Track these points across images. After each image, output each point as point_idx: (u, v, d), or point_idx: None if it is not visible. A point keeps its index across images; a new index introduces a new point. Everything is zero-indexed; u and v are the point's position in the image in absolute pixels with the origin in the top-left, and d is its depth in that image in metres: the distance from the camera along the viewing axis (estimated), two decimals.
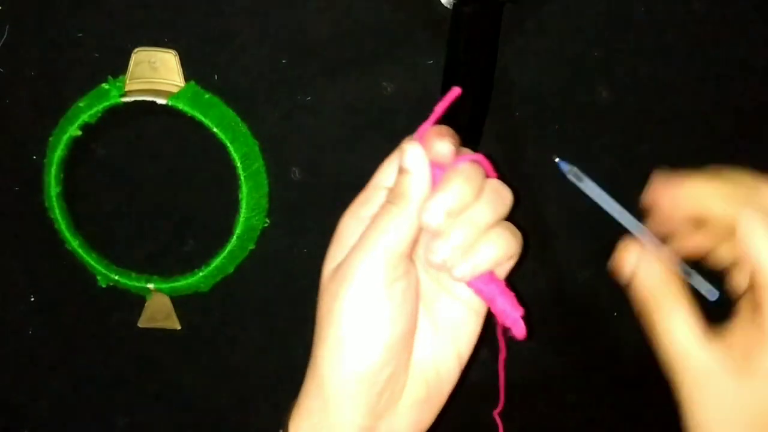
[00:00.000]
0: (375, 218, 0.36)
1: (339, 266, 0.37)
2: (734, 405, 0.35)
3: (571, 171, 0.39)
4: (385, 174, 0.39)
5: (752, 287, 0.35)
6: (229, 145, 0.55)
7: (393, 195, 0.36)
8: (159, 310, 0.61)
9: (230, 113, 0.56)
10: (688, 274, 0.39)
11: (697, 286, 0.39)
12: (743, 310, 0.37)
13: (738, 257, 0.37)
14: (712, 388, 0.35)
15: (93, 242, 0.59)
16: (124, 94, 0.55)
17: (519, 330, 0.36)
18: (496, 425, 0.44)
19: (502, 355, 0.39)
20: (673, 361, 0.36)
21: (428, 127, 0.36)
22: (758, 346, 0.34)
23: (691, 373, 0.36)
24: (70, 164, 0.57)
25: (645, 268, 0.37)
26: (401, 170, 0.36)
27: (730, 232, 0.36)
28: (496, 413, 0.41)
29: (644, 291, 0.37)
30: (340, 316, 0.36)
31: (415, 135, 0.37)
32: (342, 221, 0.39)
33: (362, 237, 0.36)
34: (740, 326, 0.36)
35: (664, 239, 0.40)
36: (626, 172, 0.58)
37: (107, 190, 0.59)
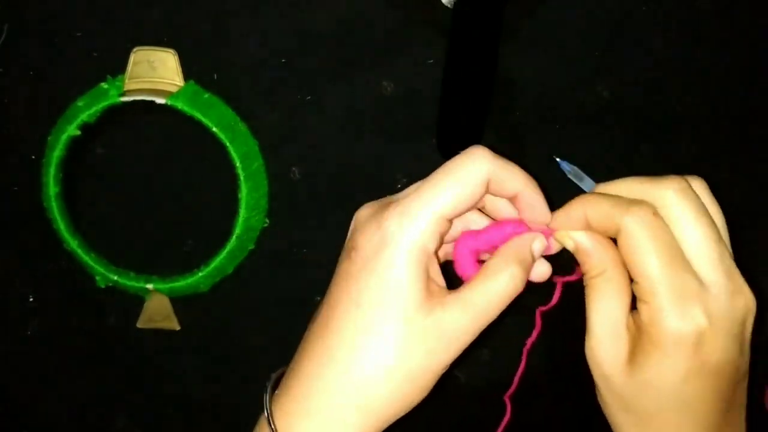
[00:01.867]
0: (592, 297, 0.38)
1: None
2: (624, 401, 0.37)
3: (572, 170, 0.39)
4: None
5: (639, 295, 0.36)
6: (228, 144, 0.55)
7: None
8: (158, 311, 0.61)
9: (229, 113, 0.56)
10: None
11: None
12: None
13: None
14: (608, 381, 0.37)
15: (92, 242, 0.59)
16: (123, 94, 0.54)
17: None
18: (496, 424, 0.44)
19: (534, 335, 0.41)
20: (589, 349, 0.37)
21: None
22: (641, 347, 0.36)
23: (598, 364, 0.37)
24: (68, 164, 0.57)
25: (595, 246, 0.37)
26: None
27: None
28: (506, 396, 0.41)
29: (584, 269, 0.38)
30: None
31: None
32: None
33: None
34: (634, 323, 0.37)
35: None
36: (626, 172, 0.57)
37: (106, 190, 0.59)
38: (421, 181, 0.37)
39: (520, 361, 0.41)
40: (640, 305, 0.36)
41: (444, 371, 0.37)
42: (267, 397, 0.38)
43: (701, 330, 0.34)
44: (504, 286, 0.36)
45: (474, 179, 0.36)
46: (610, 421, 0.39)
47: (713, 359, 0.35)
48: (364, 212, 0.38)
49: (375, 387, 0.36)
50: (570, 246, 0.38)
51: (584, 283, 0.38)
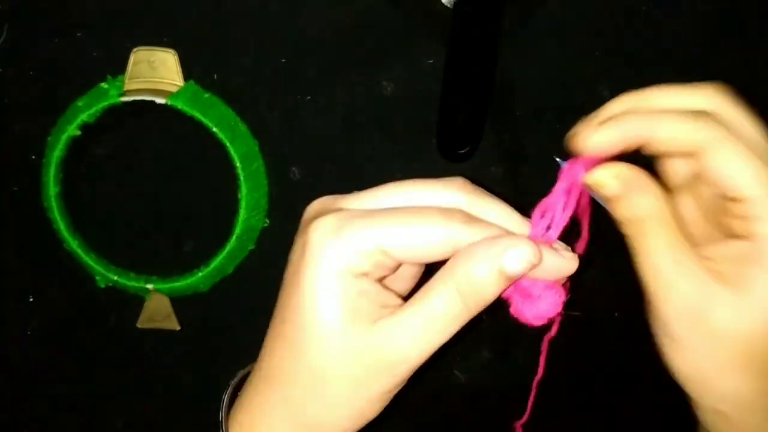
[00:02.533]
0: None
1: None
2: (726, 334, 0.32)
3: None
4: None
5: (725, 209, 0.33)
6: (228, 144, 0.55)
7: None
8: (158, 311, 0.61)
9: (229, 113, 0.56)
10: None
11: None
12: (720, 230, 0.34)
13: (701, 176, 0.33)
14: (701, 320, 0.32)
15: (92, 242, 0.59)
16: (123, 94, 0.54)
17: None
18: (497, 424, 0.44)
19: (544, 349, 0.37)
20: (656, 296, 0.33)
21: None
22: (751, 263, 0.31)
23: (678, 308, 0.32)
24: (69, 164, 0.57)
25: (631, 192, 0.33)
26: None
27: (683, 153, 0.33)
28: (519, 425, 0.39)
29: (627, 215, 0.33)
30: None
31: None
32: None
33: None
34: (722, 246, 0.33)
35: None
36: None
37: (106, 190, 0.59)
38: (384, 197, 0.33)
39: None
40: (752, 225, 0.31)
41: (392, 392, 0.33)
42: (225, 401, 0.37)
43: None
44: (442, 310, 0.31)
45: (430, 239, 0.31)
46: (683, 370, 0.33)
47: None
48: (311, 208, 0.35)
49: (307, 407, 0.33)
50: (613, 189, 0.33)
51: (630, 234, 0.33)
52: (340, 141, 0.57)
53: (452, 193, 0.33)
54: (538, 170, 0.58)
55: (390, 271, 0.33)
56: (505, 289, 0.32)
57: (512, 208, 0.34)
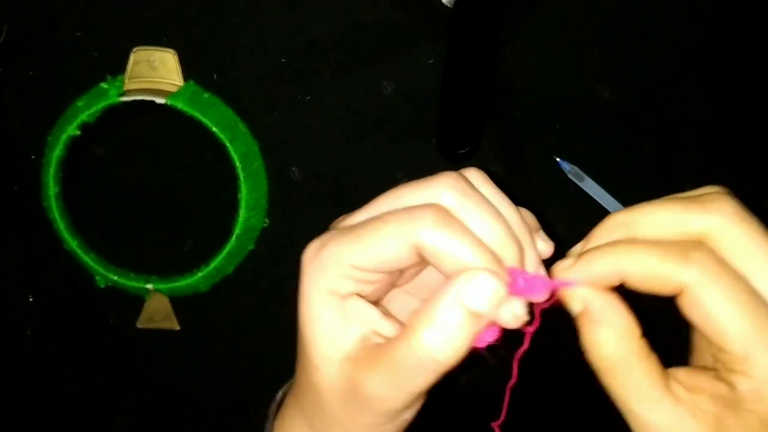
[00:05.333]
0: None
1: None
2: None
3: (572, 170, 0.39)
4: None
5: (712, 351, 0.30)
6: (228, 144, 0.55)
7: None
8: (158, 311, 0.61)
9: (229, 113, 0.56)
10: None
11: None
12: (702, 366, 0.31)
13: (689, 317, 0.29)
14: None
15: (92, 242, 0.59)
16: (123, 94, 0.54)
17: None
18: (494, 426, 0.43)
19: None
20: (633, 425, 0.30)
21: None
22: (729, 411, 0.28)
23: None
24: (68, 164, 0.57)
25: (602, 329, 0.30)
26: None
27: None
28: (496, 426, 0.38)
29: (593, 349, 0.30)
30: None
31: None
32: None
33: None
34: (706, 380, 0.30)
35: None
36: (626, 172, 0.58)
37: (106, 189, 0.59)
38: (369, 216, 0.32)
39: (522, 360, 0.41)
40: (731, 377, 0.28)
41: (382, 426, 0.33)
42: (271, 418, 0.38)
43: None
44: (408, 367, 0.30)
45: (394, 244, 0.30)
46: None
47: None
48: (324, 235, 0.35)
49: (316, 421, 0.34)
50: (576, 308, 0.30)
51: (594, 362, 0.30)
52: (340, 141, 0.57)
53: (438, 193, 0.32)
54: (538, 170, 0.58)
55: (381, 283, 0.33)
56: (474, 335, 0.30)
57: (500, 213, 0.32)
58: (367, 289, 0.32)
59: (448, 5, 0.52)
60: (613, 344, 0.29)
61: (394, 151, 0.58)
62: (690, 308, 0.28)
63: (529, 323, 0.32)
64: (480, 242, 0.30)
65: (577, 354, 0.32)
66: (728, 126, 0.59)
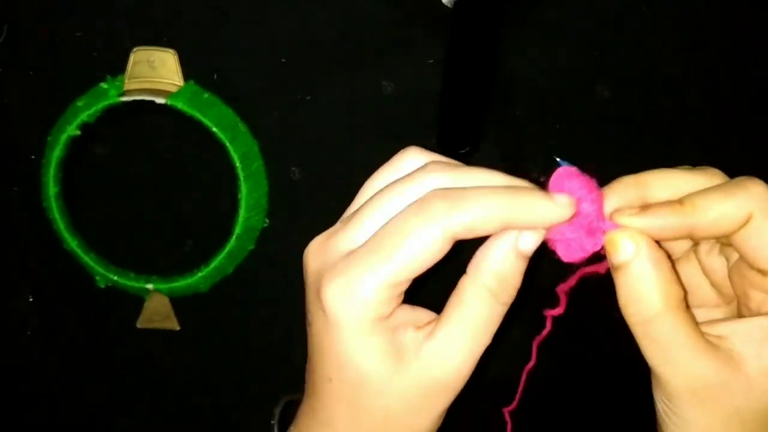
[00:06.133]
0: None
1: None
2: (738, 414, 0.31)
3: None
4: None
5: (751, 281, 0.32)
6: (228, 144, 0.55)
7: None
8: (158, 311, 0.61)
9: (229, 113, 0.56)
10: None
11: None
12: (727, 301, 0.34)
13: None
14: (713, 401, 0.31)
15: (91, 242, 0.59)
16: (123, 94, 0.54)
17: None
18: (499, 422, 0.43)
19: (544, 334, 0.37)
20: (662, 373, 0.32)
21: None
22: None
23: (687, 387, 0.31)
24: (68, 164, 0.57)
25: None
26: None
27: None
28: (506, 411, 0.39)
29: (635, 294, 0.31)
30: None
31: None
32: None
33: None
34: (737, 324, 0.32)
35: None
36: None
37: (106, 189, 0.59)
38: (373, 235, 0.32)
39: (517, 360, 0.41)
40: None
41: (446, 410, 0.34)
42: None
43: None
44: (480, 315, 0.32)
45: (429, 243, 0.30)
46: None
47: None
48: (310, 260, 0.34)
49: None
50: (626, 254, 0.31)
51: (638, 314, 0.31)
52: (340, 141, 0.57)
53: (429, 182, 0.32)
54: (538, 170, 0.58)
55: (408, 285, 0.33)
56: (523, 270, 0.32)
57: (490, 172, 0.33)
58: (401, 299, 0.33)
59: (448, 5, 0.52)
60: (663, 296, 0.30)
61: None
62: (748, 236, 0.31)
63: (551, 307, 0.34)
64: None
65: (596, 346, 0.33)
66: (728, 126, 0.59)
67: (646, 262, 0.30)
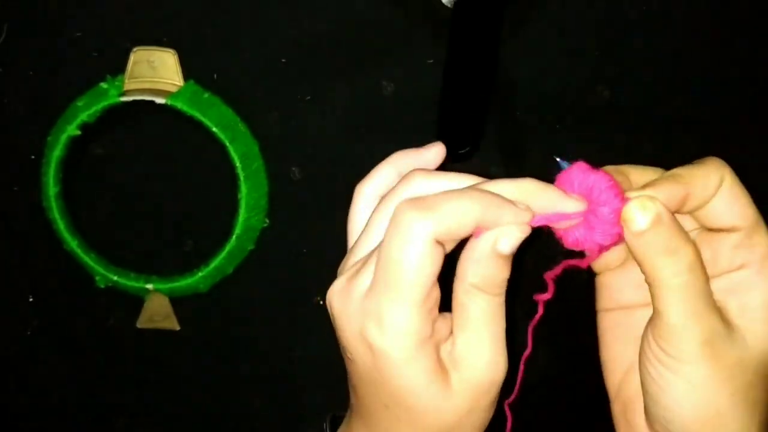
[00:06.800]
0: None
1: None
2: (732, 368, 0.34)
3: None
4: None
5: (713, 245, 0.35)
6: (228, 144, 0.55)
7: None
8: (158, 311, 0.61)
9: (229, 113, 0.56)
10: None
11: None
12: None
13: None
14: (714, 354, 0.34)
15: (91, 242, 0.59)
16: (123, 94, 0.54)
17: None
18: (497, 425, 0.43)
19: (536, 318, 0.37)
20: (673, 329, 0.34)
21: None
22: (749, 290, 0.35)
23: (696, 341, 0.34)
24: (68, 164, 0.57)
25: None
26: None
27: None
28: (506, 404, 0.40)
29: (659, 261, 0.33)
30: None
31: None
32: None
33: None
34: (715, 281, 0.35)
35: None
36: None
37: (106, 189, 0.59)
38: (378, 257, 0.33)
39: (517, 359, 0.41)
40: (738, 254, 0.35)
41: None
42: None
43: None
44: (479, 312, 0.33)
45: (421, 259, 0.32)
46: None
47: None
48: (334, 300, 0.35)
49: None
50: (648, 219, 0.33)
51: (664, 280, 0.33)
52: (340, 141, 0.57)
53: (414, 186, 0.34)
54: (538, 170, 0.58)
55: (437, 297, 0.35)
56: (509, 265, 0.33)
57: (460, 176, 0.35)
58: (435, 312, 0.34)
59: (448, 5, 0.52)
60: (695, 249, 0.33)
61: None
62: (724, 197, 0.34)
63: (542, 292, 0.35)
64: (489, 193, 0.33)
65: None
66: (729, 126, 0.59)
67: (672, 220, 0.33)
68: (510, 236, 0.32)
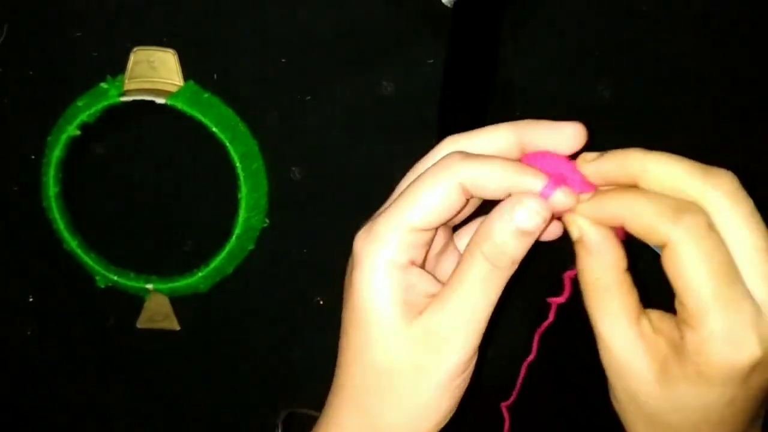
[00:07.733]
0: None
1: None
2: (651, 417, 0.34)
3: None
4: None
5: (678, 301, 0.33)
6: (228, 144, 0.55)
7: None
8: (158, 311, 0.61)
9: (229, 113, 0.56)
10: None
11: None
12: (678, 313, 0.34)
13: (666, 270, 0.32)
14: (633, 396, 0.34)
15: (91, 242, 0.59)
16: (123, 94, 0.54)
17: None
18: (499, 419, 0.44)
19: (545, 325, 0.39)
20: (607, 362, 0.35)
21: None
22: (681, 371, 0.32)
23: (622, 379, 0.34)
24: (68, 164, 0.57)
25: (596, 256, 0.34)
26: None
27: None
28: (504, 406, 0.40)
29: (589, 280, 0.34)
30: None
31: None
32: None
33: None
34: (667, 328, 0.33)
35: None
36: None
37: (106, 190, 0.59)
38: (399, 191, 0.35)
39: (517, 359, 0.41)
40: (683, 328, 0.32)
41: (459, 375, 0.35)
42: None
43: (755, 361, 0.30)
44: (476, 278, 0.33)
45: (442, 189, 0.33)
46: (628, 430, 0.36)
47: (762, 385, 0.32)
48: (359, 238, 0.36)
49: (379, 410, 0.35)
50: (574, 234, 0.34)
51: (582, 284, 0.35)
52: (340, 141, 0.57)
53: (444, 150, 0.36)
54: None
55: (427, 247, 0.35)
56: (531, 244, 0.34)
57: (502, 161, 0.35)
58: (419, 257, 0.35)
59: (448, 5, 0.52)
60: (598, 272, 0.33)
61: (394, 151, 0.58)
62: (666, 260, 0.31)
63: (555, 295, 0.36)
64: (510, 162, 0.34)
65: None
66: (729, 126, 0.59)
67: (587, 243, 0.34)
68: (530, 209, 0.32)
